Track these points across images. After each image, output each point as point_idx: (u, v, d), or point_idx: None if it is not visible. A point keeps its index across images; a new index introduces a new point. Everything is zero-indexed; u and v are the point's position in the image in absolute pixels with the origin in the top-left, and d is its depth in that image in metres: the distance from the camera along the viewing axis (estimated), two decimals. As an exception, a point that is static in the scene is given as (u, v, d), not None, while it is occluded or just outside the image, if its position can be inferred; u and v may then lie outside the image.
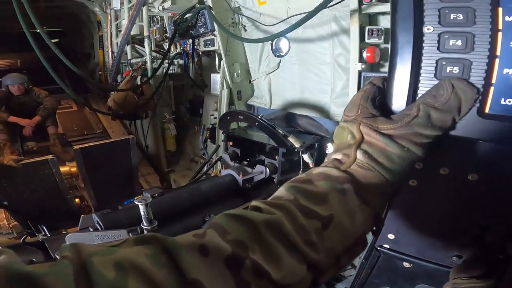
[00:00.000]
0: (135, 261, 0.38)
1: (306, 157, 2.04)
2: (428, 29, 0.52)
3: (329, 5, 1.91)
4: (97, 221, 1.38)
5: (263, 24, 2.85)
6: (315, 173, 0.55)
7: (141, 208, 1.19)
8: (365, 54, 1.96)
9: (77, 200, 2.82)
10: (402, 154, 0.52)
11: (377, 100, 0.60)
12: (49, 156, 2.48)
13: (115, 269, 0.36)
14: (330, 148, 2.49)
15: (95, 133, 5.29)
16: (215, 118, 3.63)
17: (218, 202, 1.90)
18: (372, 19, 2.02)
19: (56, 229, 1.66)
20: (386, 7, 1.88)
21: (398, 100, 0.57)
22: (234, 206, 1.84)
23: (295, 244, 0.45)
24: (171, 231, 1.38)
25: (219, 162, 2.95)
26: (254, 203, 0.52)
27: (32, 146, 4.54)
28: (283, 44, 2.77)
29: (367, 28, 1.95)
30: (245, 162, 2.34)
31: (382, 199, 0.55)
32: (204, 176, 3.01)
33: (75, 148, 2.67)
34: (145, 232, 1.23)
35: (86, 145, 2.82)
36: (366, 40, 1.96)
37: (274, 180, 2.17)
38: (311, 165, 2.07)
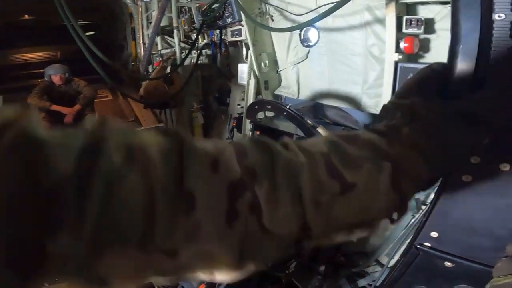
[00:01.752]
0: (146, 153, 0.35)
1: (334, 150, 1.99)
2: (499, 16, 0.47)
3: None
4: None
5: (291, 14, 2.77)
6: (363, 137, 0.48)
7: None
8: (402, 44, 1.86)
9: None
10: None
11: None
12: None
13: (125, 155, 0.34)
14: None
15: (128, 121, 5.47)
16: (241, 107, 3.63)
17: None
18: (410, 8, 1.91)
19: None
20: (426, -3, 1.77)
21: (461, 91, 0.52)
22: None
23: (302, 196, 0.41)
24: None
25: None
26: (286, 139, 0.47)
27: (71, 133, 4.77)
28: (312, 34, 2.69)
29: (404, 17, 1.85)
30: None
31: (415, 186, 0.48)
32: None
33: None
34: None
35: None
36: (404, 30, 1.85)
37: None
38: None
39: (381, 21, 2.05)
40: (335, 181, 0.42)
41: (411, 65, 1.91)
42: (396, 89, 1.97)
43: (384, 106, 0.55)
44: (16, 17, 8.21)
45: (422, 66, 1.86)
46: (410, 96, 0.51)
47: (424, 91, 0.51)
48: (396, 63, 1.92)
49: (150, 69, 4.95)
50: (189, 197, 0.36)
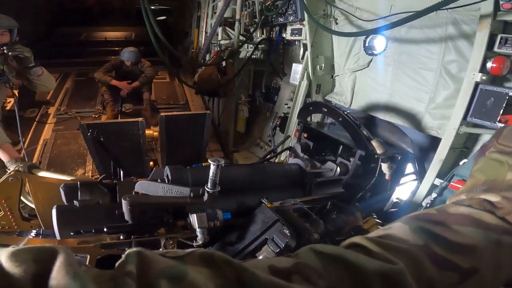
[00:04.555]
0: None
1: (385, 167, 1.74)
2: None
3: (452, 6, 1.52)
4: (167, 174, 1.36)
5: (358, 19, 2.50)
6: (453, 212, 0.42)
7: (212, 168, 1.08)
8: (489, 64, 1.53)
9: (151, 163, 2.95)
10: None
11: None
12: (140, 119, 2.61)
13: None
14: (410, 167, 2.08)
15: (179, 103, 5.61)
16: (288, 107, 3.45)
17: (278, 188, 1.75)
18: (508, 27, 1.57)
19: (130, 176, 1.71)
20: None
21: None
22: (292, 196, 1.67)
23: None
24: (225, 203, 1.31)
25: (283, 153, 2.79)
26: (358, 240, 0.39)
27: (129, 108, 5.03)
28: (379, 42, 2.39)
29: (499, 36, 1.52)
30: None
31: None
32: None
33: (161, 114, 2.77)
34: (206, 194, 1.14)
35: (170, 113, 2.91)
36: (495, 49, 1.52)
37: (342, 182, 1.92)
38: (387, 177, 1.78)
39: (467, 37, 1.73)
40: (449, 272, 0.37)
41: (495, 88, 1.58)
42: (470, 113, 1.64)
43: (485, 160, 0.46)
44: (107, -3, 8.85)
45: (507, 90, 1.54)
46: None
47: None
48: (477, 84, 1.60)
49: (207, 58, 4.97)
50: None
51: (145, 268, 0.30)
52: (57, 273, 0.26)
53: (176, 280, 0.29)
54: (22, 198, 1.52)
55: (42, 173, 1.67)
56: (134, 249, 0.32)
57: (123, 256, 0.31)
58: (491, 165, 0.45)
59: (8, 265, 0.26)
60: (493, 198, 0.43)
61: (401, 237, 0.39)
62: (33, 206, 1.48)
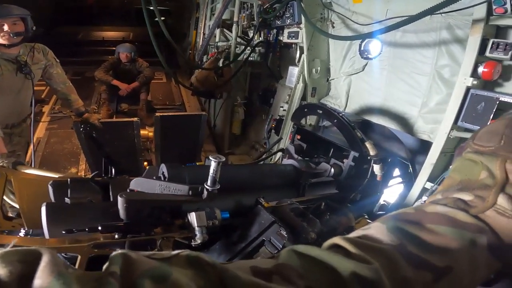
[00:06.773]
0: None
1: (377, 168, 1.76)
2: None
3: (446, 10, 1.54)
4: (163, 172, 1.33)
5: (355, 23, 2.53)
6: (430, 211, 0.43)
7: (213, 165, 1.06)
8: (481, 69, 1.55)
9: (145, 163, 2.94)
10: None
11: None
12: (135, 119, 2.61)
13: None
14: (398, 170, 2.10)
15: (175, 104, 5.60)
16: (284, 110, 3.47)
17: (273, 188, 1.76)
18: (500, 32, 1.59)
19: (122, 173, 1.68)
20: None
21: None
22: (287, 196, 1.67)
23: None
24: (222, 203, 1.28)
25: (277, 154, 2.80)
26: (338, 241, 0.40)
27: (125, 107, 5.01)
28: (374, 46, 2.43)
29: (491, 40, 1.55)
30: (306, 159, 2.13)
31: None
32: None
33: (156, 115, 2.77)
34: (205, 192, 1.12)
35: (166, 114, 2.92)
36: (487, 54, 1.55)
37: (335, 182, 1.93)
38: (378, 178, 1.80)
39: (460, 42, 1.76)
40: (424, 271, 0.37)
41: (485, 93, 1.60)
42: (461, 118, 1.67)
43: (461, 159, 0.47)
44: (107, -4, 8.84)
45: (498, 95, 1.57)
46: (496, 146, 0.44)
47: None
48: (468, 89, 1.62)
49: (204, 59, 4.98)
50: None
51: (129, 268, 0.30)
52: (42, 272, 0.27)
53: (159, 280, 0.30)
54: (4, 197, 1.46)
55: (28, 170, 1.59)
56: (119, 251, 0.32)
57: (109, 259, 0.32)
58: (466, 165, 0.46)
59: None
60: (466, 196, 0.43)
61: (378, 237, 0.40)
62: (15, 205, 1.41)
